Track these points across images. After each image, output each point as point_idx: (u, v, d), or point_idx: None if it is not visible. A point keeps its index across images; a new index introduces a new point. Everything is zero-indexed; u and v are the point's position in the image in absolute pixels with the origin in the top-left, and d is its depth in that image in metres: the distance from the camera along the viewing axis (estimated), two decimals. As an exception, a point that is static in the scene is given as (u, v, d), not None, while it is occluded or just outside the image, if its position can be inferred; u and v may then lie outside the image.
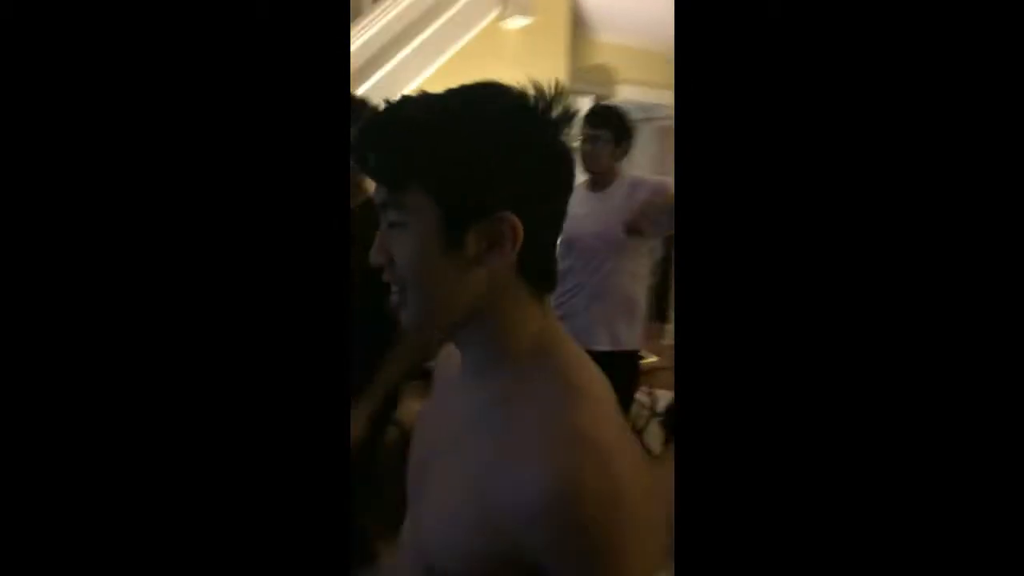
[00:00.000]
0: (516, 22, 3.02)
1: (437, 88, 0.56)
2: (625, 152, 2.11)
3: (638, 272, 2.16)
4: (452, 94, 0.55)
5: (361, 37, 2.62)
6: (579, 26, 3.53)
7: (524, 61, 2.93)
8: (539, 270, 0.59)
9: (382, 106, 0.56)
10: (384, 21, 2.68)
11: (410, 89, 2.53)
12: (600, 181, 2.10)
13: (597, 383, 0.58)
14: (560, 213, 0.58)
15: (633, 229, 2.00)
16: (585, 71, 3.66)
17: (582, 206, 2.05)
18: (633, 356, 2.21)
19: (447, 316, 0.57)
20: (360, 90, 2.53)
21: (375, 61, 2.69)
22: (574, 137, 0.58)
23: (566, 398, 0.54)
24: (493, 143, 0.53)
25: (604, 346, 2.05)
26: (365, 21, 2.62)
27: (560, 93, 0.55)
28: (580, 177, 1.94)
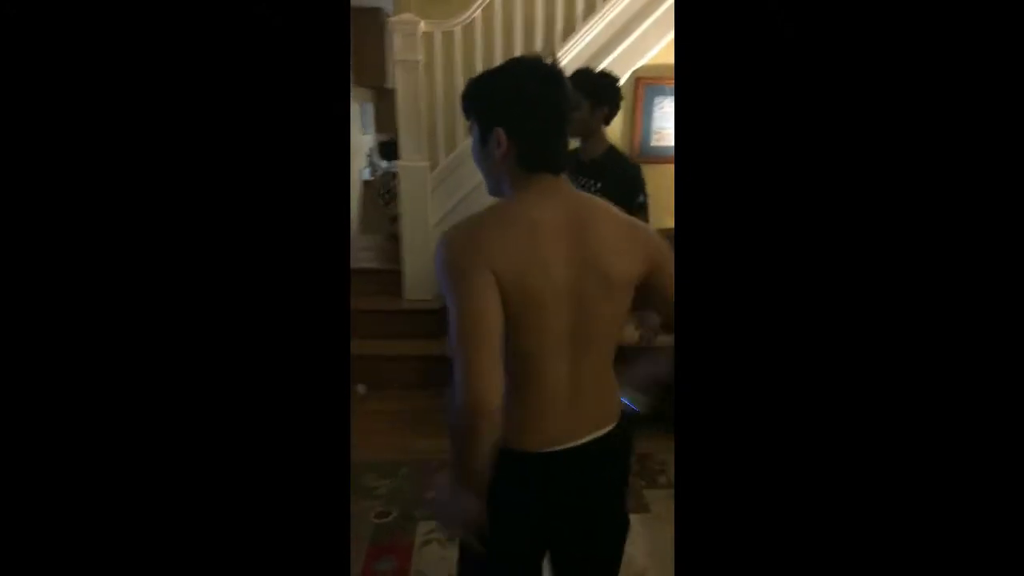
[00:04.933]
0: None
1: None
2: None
3: None
4: (504, 66, 1.06)
5: (604, 19, 3.58)
6: None
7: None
8: (535, 160, 1.04)
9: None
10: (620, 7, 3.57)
11: (644, 61, 3.49)
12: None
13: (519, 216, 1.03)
14: (550, 130, 1.04)
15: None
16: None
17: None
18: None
19: (491, 181, 1.10)
20: (606, 62, 3.53)
21: (615, 40, 3.62)
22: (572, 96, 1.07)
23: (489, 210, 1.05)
24: (505, 92, 1.03)
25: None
26: (604, 8, 3.56)
27: (555, 62, 1.03)
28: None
